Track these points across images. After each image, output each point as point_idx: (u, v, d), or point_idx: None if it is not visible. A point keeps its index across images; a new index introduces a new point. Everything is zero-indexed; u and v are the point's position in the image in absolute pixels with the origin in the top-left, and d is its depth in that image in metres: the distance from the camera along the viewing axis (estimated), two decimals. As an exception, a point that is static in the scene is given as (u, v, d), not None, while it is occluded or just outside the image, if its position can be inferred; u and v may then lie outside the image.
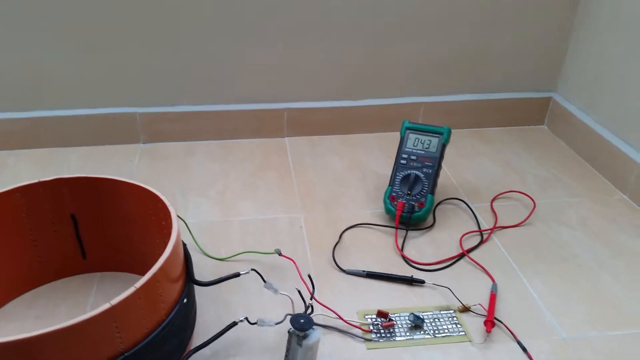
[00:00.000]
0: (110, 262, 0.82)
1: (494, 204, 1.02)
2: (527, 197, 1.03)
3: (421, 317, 0.76)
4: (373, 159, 1.17)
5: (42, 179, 0.73)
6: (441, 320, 0.76)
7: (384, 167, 1.13)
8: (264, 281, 0.70)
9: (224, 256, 0.87)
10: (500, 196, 1.04)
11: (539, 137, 1.27)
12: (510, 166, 1.15)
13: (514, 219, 0.98)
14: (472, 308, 0.78)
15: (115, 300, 0.54)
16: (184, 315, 0.66)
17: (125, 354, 0.56)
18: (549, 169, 1.14)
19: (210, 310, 0.77)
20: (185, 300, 0.65)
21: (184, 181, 1.08)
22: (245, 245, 0.90)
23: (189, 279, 0.68)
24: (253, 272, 0.70)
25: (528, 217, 0.98)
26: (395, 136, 1.25)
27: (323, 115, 1.23)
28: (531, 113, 1.31)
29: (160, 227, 0.74)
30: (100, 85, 1.14)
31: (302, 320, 0.66)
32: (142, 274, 0.82)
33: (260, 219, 0.97)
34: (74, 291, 0.79)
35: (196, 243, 0.89)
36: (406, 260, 0.87)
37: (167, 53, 1.13)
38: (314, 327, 0.66)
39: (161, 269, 0.59)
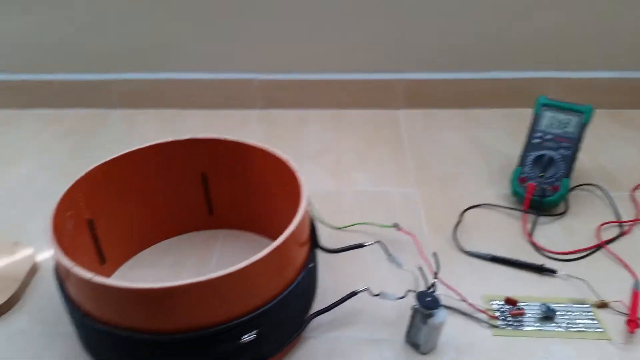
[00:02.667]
0: (235, 221, 0.84)
1: (635, 193, 0.92)
2: (676, 189, 0.92)
3: (553, 308, 0.70)
4: (496, 136, 1.10)
5: (176, 138, 0.76)
6: (575, 314, 0.70)
7: (509, 146, 1.06)
8: (389, 254, 0.67)
9: (339, 225, 0.86)
10: (642, 185, 0.94)
11: (689, 123, 1.13)
12: (654, 153, 1.03)
13: (660, 212, 0.87)
14: (611, 305, 0.71)
15: (255, 258, 0.55)
16: (309, 279, 0.66)
17: (260, 310, 0.57)
18: (702, 159, 1.01)
19: (328, 278, 0.76)
20: (311, 265, 0.65)
21: (298, 148, 1.08)
22: (359, 216, 0.89)
23: (314, 245, 0.68)
24: (375, 244, 0.68)
25: (677, 211, 0.87)
26: (521, 113, 1.16)
27: (441, 88, 1.17)
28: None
29: (284, 192, 0.75)
30: (224, 51, 1.17)
31: (428, 299, 0.64)
32: (263, 234, 0.84)
33: (373, 190, 0.95)
34: (201, 245, 0.82)
35: (312, 211, 0.89)
36: (535, 247, 0.81)
37: (286, 22, 1.12)
38: (440, 306, 0.64)
39: (292, 233, 0.59)
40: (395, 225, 0.81)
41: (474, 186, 0.95)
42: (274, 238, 0.56)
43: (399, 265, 0.68)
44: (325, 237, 0.84)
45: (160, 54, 1.18)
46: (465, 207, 0.90)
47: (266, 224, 0.82)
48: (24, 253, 0.79)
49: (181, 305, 0.53)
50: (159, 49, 1.17)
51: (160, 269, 0.78)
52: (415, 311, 0.64)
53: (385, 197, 0.93)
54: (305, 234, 0.64)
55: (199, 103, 1.22)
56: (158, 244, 0.83)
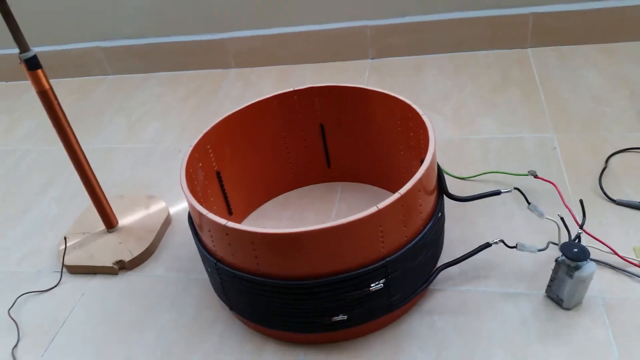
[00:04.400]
0: (353, 173, 0.82)
1: None
2: None
3: None
4: (645, 71, 0.95)
5: (296, 88, 0.74)
6: None
7: (662, 82, 0.92)
8: (528, 202, 0.61)
9: (465, 175, 0.81)
10: None
11: None
12: None
13: None
14: None
15: (382, 205, 0.52)
16: (438, 228, 0.62)
17: (387, 259, 0.55)
18: None
19: (456, 229, 0.72)
20: (439, 214, 0.61)
21: (415, 97, 1.02)
22: (488, 165, 0.82)
23: (443, 193, 0.63)
24: (510, 192, 0.62)
25: None
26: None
27: (576, 20, 1.04)
28: None
29: (408, 139, 0.71)
30: (331, 1, 1.13)
31: (575, 250, 0.57)
32: (384, 187, 0.81)
33: (502, 137, 0.87)
34: (320, 198, 0.82)
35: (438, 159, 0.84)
36: (702, 193, 0.70)
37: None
38: (589, 258, 0.57)
39: (419, 180, 0.55)
40: (532, 173, 0.73)
41: (621, 129, 0.84)
42: (396, 190, 0.53)
43: (540, 214, 0.61)
44: (451, 188, 0.79)
45: (269, 9, 1.17)
46: (612, 152, 0.79)
47: (389, 176, 0.78)
48: (158, 206, 0.84)
49: (309, 251, 0.52)
50: (268, 5, 1.16)
51: (282, 221, 0.79)
52: (559, 263, 0.58)
53: (517, 143, 0.85)
54: (432, 182, 0.60)
55: (310, 57, 1.20)
56: (278, 197, 0.83)
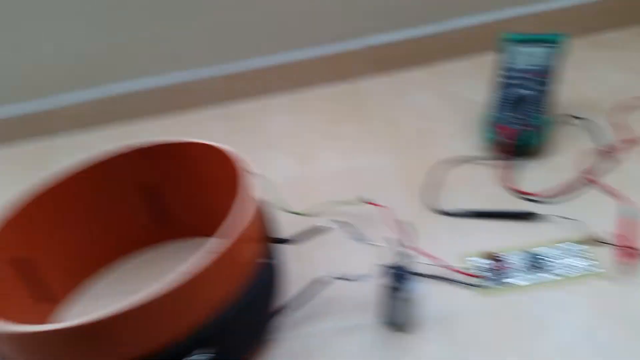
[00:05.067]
0: (189, 230, 0.78)
1: (621, 117, 0.84)
2: (666, 103, 0.84)
3: (541, 255, 0.63)
4: (466, 86, 1.02)
5: (106, 152, 0.70)
6: (570, 256, 0.63)
7: (481, 94, 0.99)
8: (353, 233, 0.61)
9: (304, 211, 0.80)
10: (628, 106, 0.86)
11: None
12: (636, 71, 0.95)
13: (651, 133, 0.79)
14: (606, 240, 0.64)
15: (176, 279, 0.48)
16: (268, 278, 0.59)
17: (202, 329, 0.51)
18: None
19: (295, 269, 0.70)
20: (267, 262, 0.59)
21: (257, 136, 1.02)
22: (328, 197, 0.82)
23: (270, 238, 0.61)
24: (339, 224, 0.61)
25: (669, 126, 0.79)
26: (491, 59, 1.09)
27: (406, 47, 1.10)
28: None
29: (231, 186, 0.68)
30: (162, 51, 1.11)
31: (395, 271, 0.57)
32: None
33: (342, 167, 0.88)
34: (152, 262, 0.77)
35: (273, 199, 0.83)
36: (518, 192, 0.74)
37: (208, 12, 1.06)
38: (411, 277, 0.57)
39: (235, 229, 0.53)
40: (362, 199, 0.74)
41: (448, 141, 0.88)
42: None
43: (364, 241, 0.61)
44: (290, 225, 0.78)
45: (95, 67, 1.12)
46: (439, 165, 0.83)
47: (219, 226, 0.75)
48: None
49: (111, 339, 0.47)
50: (94, 62, 1.12)
51: (115, 296, 0.73)
52: (383, 287, 0.58)
53: (356, 171, 0.86)
54: (254, 228, 0.57)
55: (157, 109, 1.17)
56: (109, 269, 0.77)
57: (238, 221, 0.53)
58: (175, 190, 0.74)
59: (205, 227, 0.77)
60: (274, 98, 1.15)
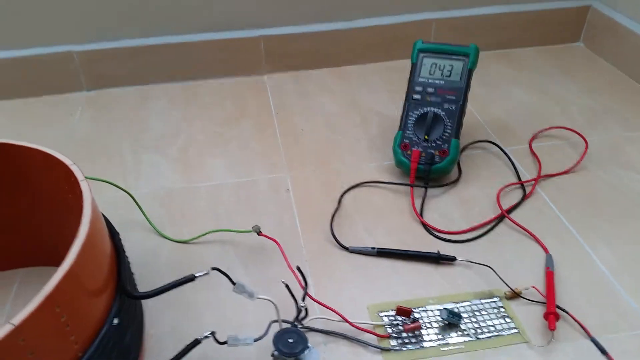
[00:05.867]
0: (30, 257, 0.60)
1: (533, 145, 0.80)
2: (575, 134, 0.81)
3: (456, 311, 0.55)
4: (375, 96, 0.93)
5: None
6: (483, 313, 0.56)
7: (391, 107, 0.90)
8: (233, 283, 0.48)
9: (187, 237, 0.66)
10: (541, 135, 0.82)
11: (576, 57, 1.03)
12: (548, 95, 0.92)
13: (562, 164, 0.76)
14: (524, 293, 0.57)
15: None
16: (117, 340, 0.45)
17: None
18: (595, 96, 0.91)
19: (165, 320, 0.56)
20: (116, 321, 0.44)
21: (137, 136, 0.85)
22: (216, 219, 0.69)
23: (120, 290, 0.46)
24: (215, 271, 0.48)
25: (580, 160, 0.76)
26: (402, 65, 1.01)
27: (309, 43, 0.98)
28: (565, 27, 1.05)
29: (73, 207, 0.52)
30: (22, 20, 0.89)
31: (290, 340, 0.46)
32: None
33: (233, 182, 0.75)
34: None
35: (149, 221, 0.67)
36: (427, 228, 0.66)
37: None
38: (309, 346, 0.46)
39: (63, 283, 0.38)
40: (256, 229, 0.62)
41: (354, 160, 0.78)
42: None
43: (249, 295, 0.49)
44: (168, 254, 0.64)
45: None
46: (345, 189, 0.72)
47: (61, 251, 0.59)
48: None
49: None
50: None
51: None
52: (276, 358, 0.46)
53: (249, 188, 0.73)
54: (95, 277, 0.43)
55: (11, 91, 0.94)
56: None
57: (60, 271, 0.38)
58: (7, 209, 0.56)
59: (53, 256, 0.60)
60: (159, 86, 0.97)
